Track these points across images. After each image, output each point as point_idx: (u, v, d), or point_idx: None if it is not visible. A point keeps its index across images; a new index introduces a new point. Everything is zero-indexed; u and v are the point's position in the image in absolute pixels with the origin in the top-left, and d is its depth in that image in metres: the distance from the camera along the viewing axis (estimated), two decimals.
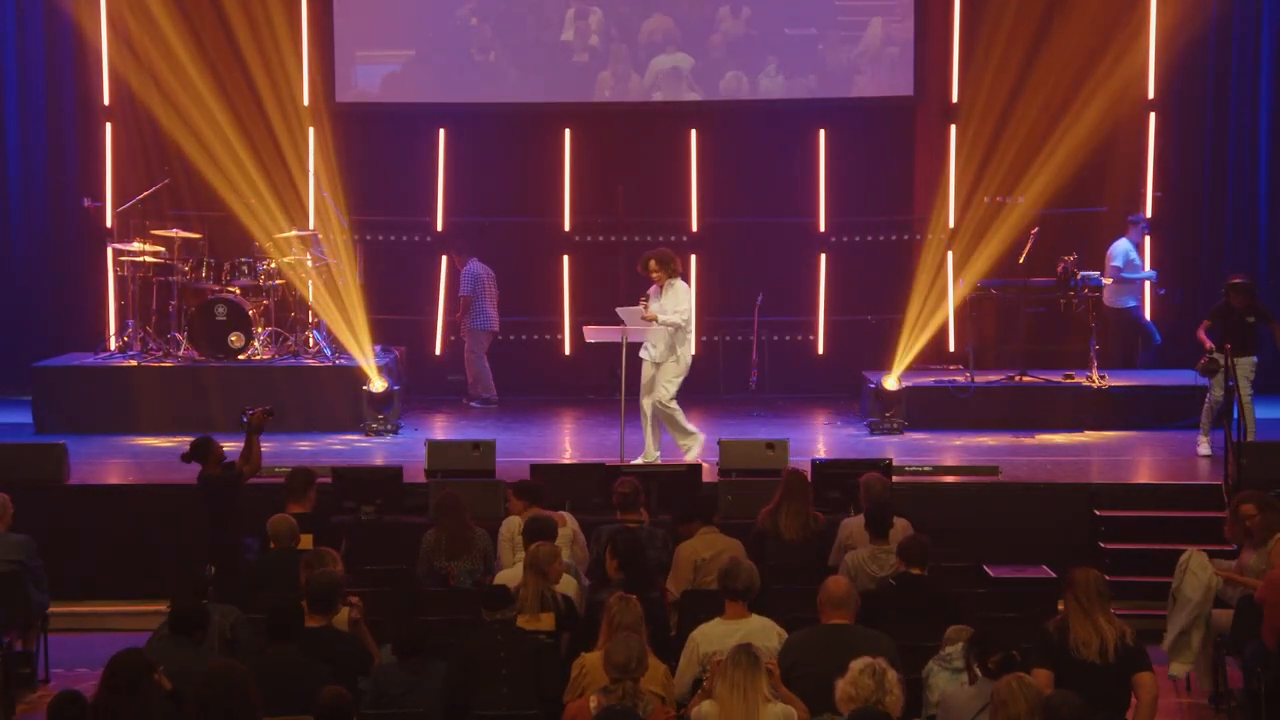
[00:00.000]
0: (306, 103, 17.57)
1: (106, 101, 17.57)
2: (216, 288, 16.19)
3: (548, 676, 8.48)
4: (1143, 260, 16.84)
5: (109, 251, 17.01)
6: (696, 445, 13.83)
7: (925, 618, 8.95)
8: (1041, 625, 8.37)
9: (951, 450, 14.77)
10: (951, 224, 17.36)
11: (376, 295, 17.14)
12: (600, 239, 18.15)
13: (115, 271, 16.83)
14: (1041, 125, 17.07)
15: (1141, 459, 14.54)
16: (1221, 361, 13.60)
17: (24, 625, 10.93)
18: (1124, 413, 15.71)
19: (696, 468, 12.90)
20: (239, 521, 11.16)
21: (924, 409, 15.70)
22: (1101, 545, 12.60)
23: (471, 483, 12.46)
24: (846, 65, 17.99)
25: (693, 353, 14.07)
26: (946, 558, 10.69)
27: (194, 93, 17.12)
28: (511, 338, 18.06)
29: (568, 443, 15.99)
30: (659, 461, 13.62)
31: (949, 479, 13.59)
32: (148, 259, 16.35)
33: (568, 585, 9.69)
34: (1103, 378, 15.88)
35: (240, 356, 15.98)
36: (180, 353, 16.16)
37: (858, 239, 18.12)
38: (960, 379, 16.13)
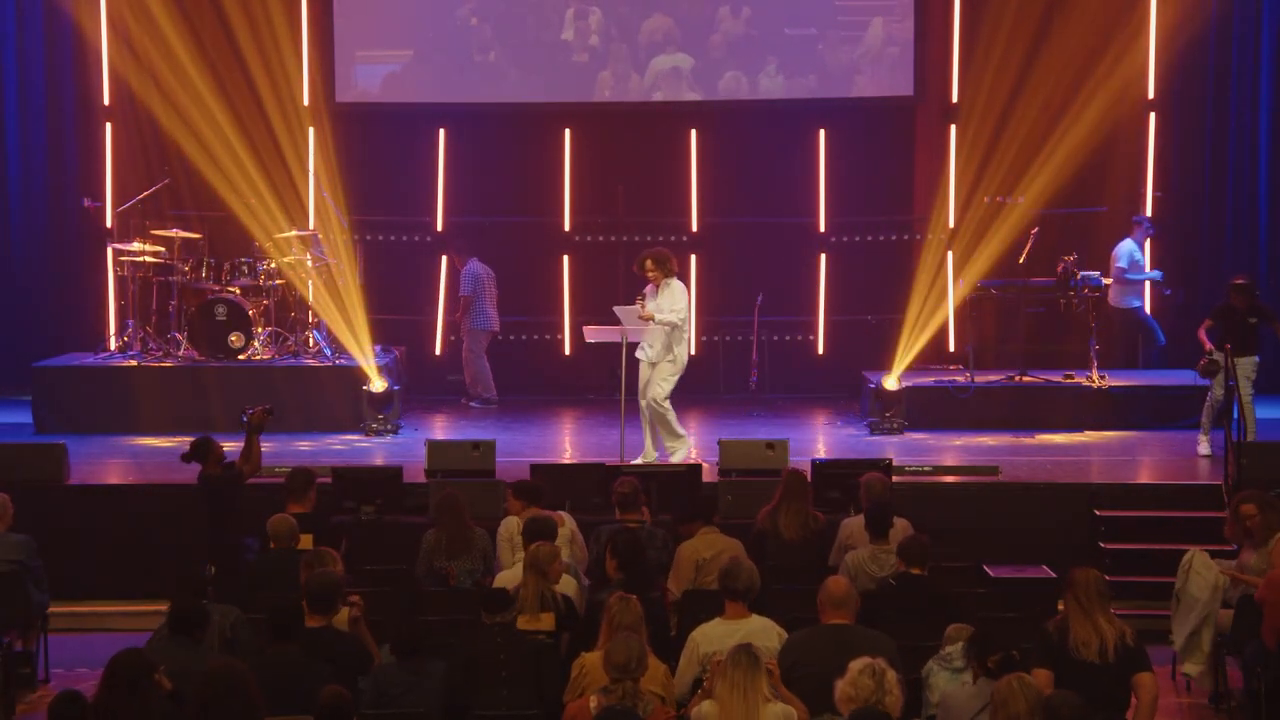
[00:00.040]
0: (306, 103, 17.57)
1: (106, 101, 17.57)
2: (216, 288, 16.19)
3: (548, 677, 8.48)
4: (1147, 261, 16.81)
5: (109, 251, 17.01)
6: (682, 449, 13.79)
7: (925, 618, 8.95)
8: (1041, 625, 8.37)
9: (951, 450, 14.77)
10: (951, 224, 17.36)
11: (376, 295, 17.14)
12: (600, 239, 18.15)
13: (115, 271, 16.83)
14: (1041, 125, 17.07)
15: (1141, 459, 14.54)
16: (1221, 362, 13.60)
17: (24, 625, 10.93)
18: (1124, 413, 15.71)
19: (696, 468, 12.89)
20: (239, 521, 11.16)
21: (924, 409, 15.70)
22: (1101, 545, 12.60)
23: (471, 483, 12.46)
24: (846, 65, 17.99)
25: (691, 352, 14.06)
26: (946, 558, 10.68)
27: (194, 93, 17.12)
28: (511, 338, 18.07)
29: (568, 443, 15.99)
30: (659, 461, 13.61)
31: (949, 479, 13.59)
32: (148, 259, 16.35)
33: (568, 585, 9.69)
34: (1103, 378, 15.89)
35: (240, 356, 15.98)
36: (180, 353, 16.16)
37: (858, 239, 18.12)
38: (960, 379, 16.14)
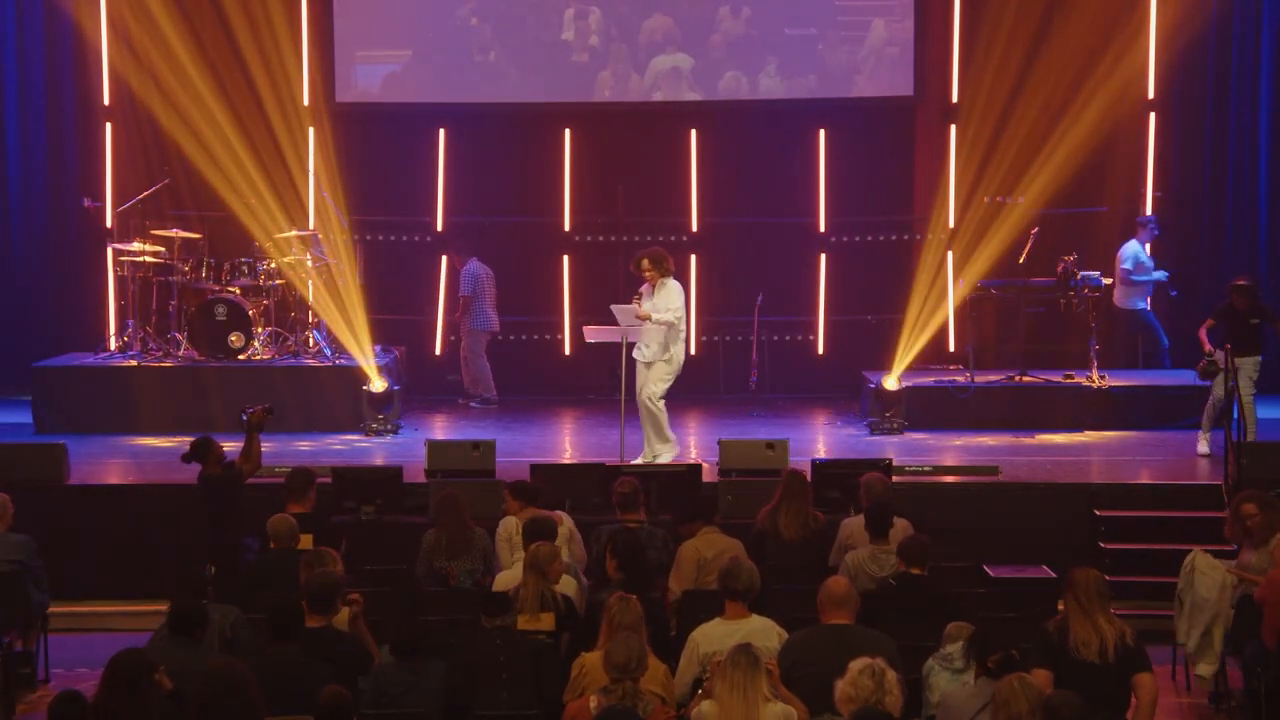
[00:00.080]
0: (306, 103, 17.57)
1: (106, 101, 17.57)
2: (216, 288, 16.19)
3: (548, 677, 8.47)
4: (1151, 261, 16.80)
5: (109, 251, 17.01)
6: (668, 453, 13.72)
7: (925, 618, 8.94)
8: (1041, 625, 8.37)
9: (951, 450, 14.77)
10: (951, 224, 17.36)
11: (376, 295, 17.14)
12: (600, 239, 18.15)
13: (115, 271, 16.83)
14: (1041, 125, 17.07)
15: (1141, 459, 14.53)
16: (1221, 364, 13.60)
17: (24, 625, 10.93)
18: (1124, 413, 15.70)
19: (696, 468, 12.89)
20: (239, 521, 11.16)
21: (924, 409, 15.70)
22: (1101, 545, 12.60)
23: (471, 483, 12.46)
24: (846, 65, 17.99)
25: (691, 352, 14.06)
26: (946, 558, 10.68)
27: (194, 93, 17.12)
28: (511, 338, 18.07)
29: (568, 443, 15.99)
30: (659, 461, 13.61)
31: (949, 479, 13.59)
32: (148, 259, 16.35)
33: (568, 585, 9.69)
34: (1103, 378, 15.88)
35: (240, 356, 15.98)
36: (180, 353, 16.16)
37: (858, 239, 18.12)
38: (960, 379, 16.13)
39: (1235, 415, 13.34)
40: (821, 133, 17.99)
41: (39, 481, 12.96)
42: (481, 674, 8.45)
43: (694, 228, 18.11)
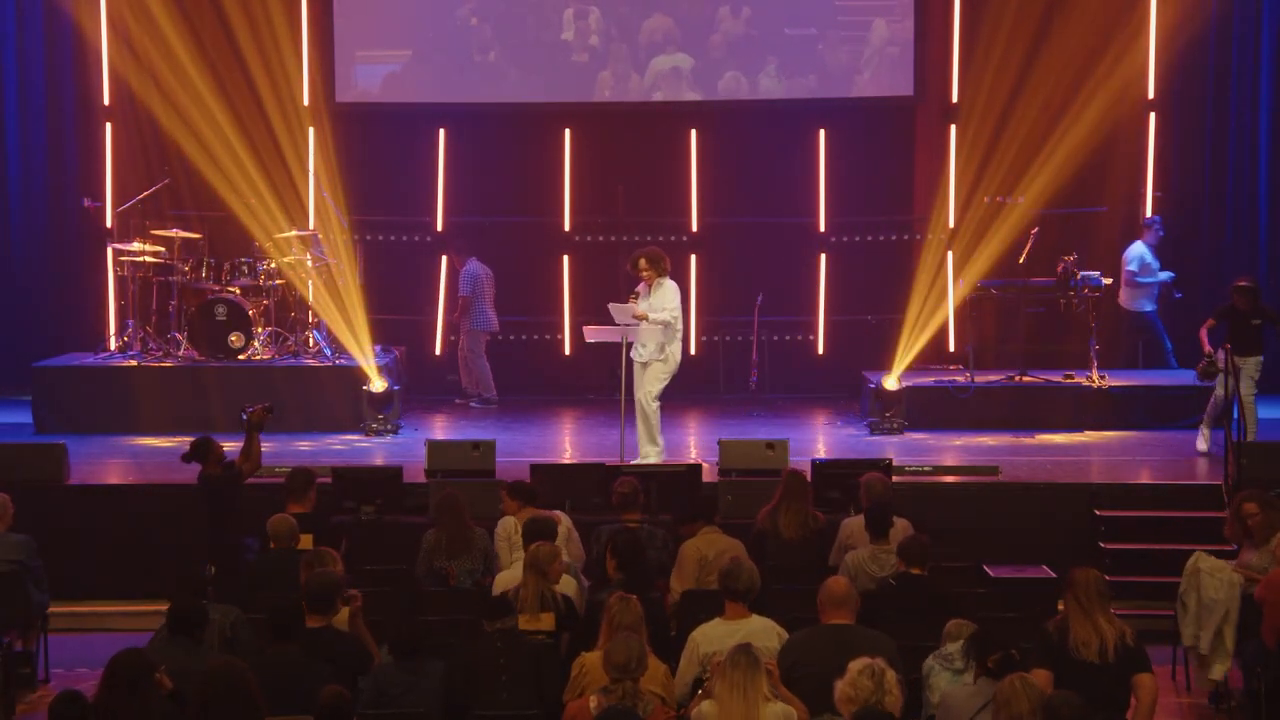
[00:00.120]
0: (306, 103, 17.56)
1: (106, 101, 17.57)
2: (216, 288, 16.19)
3: (548, 677, 8.47)
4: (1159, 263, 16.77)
5: (109, 251, 17.01)
6: (654, 456, 13.72)
7: (925, 618, 8.94)
8: (1041, 625, 8.37)
9: (951, 450, 14.77)
10: (951, 224, 17.35)
11: (376, 295, 17.14)
12: (600, 239, 18.15)
13: (115, 271, 16.83)
14: (1041, 125, 17.07)
15: (1141, 459, 14.53)
16: (1220, 365, 13.60)
17: (24, 625, 10.93)
18: (1124, 413, 15.71)
19: (696, 468, 12.89)
20: (239, 521, 11.17)
21: (924, 409, 15.70)
22: (1101, 545, 12.60)
23: (471, 483, 12.46)
24: (846, 65, 17.99)
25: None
26: (946, 558, 10.69)
27: (194, 93, 17.12)
28: (511, 338, 18.07)
29: (568, 443, 15.99)
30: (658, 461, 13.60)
31: (949, 479, 13.59)
32: (148, 259, 16.35)
33: (568, 585, 9.69)
34: (1103, 378, 15.88)
35: (240, 356, 15.98)
36: (180, 353, 16.16)
37: (858, 239, 18.12)
38: (960, 379, 16.13)
39: (1235, 415, 13.34)
40: (821, 133, 17.99)
41: (39, 481, 12.96)
42: (481, 675, 8.45)
43: (694, 228, 18.11)
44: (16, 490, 11.54)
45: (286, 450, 14.36)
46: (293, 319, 16.52)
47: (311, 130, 17.52)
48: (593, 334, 14.09)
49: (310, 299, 16.33)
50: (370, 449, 15.03)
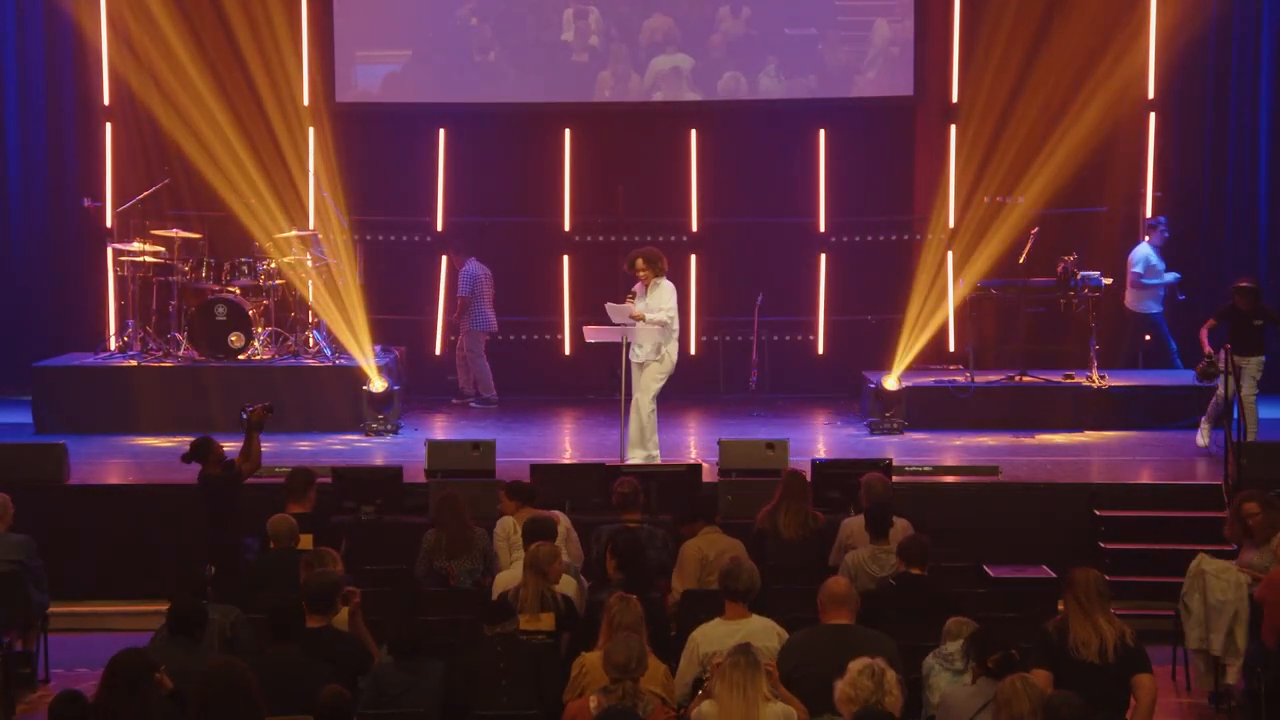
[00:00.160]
0: (306, 103, 17.56)
1: (106, 101, 17.57)
2: (216, 288, 16.19)
3: (548, 677, 8.47)
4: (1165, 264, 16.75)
5: (109, 251, 17.01)
6: (641, 457, 13.66)
7: (925, 618, 8.94)
8: (1041, 625, 8.37)
9: (951, 450, 14.77)
10: (951, 224, 17.36)
11: (376, 295, 17.14)
12: (600, 239, 18.15)
13: (115, 271, 16.83)
14: (1041, 125, 17.07)
15: (1141, 459, 14.53)
16: (1220, 366, 13.59)
17: (24, 625, 10.93)
18: (1124, 413, 15.70)
19: (696, 468, 12.89)
20: (239, 521, 11.17)
21: (924, 409, 15.69)
22: (1101, 545, 12.59)
23: (471, 483, 12.46)
24: (846, 65, 17.99)
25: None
26: (946, 558, 10.69)
27: (194, 93, 17.12)
28: (511, 338, 18.07)
29: (568, 443, 15.99)
30: (659, 461, 13.60)
31: (949, 479, 13.59)
32: (148, 259, 16.35)
33: (567, 585, 9.69)
34: (1103, 378, 15.88)
35: (240, 356, 15.98)
36: (180, 353, 16.16)
37: (858, 239, 18.12)
38: (960, 379, 16.13)
39: (1235, 415, 13.34)
40: (821, 133, 17.99)
41: (39, 481, 12.96)
42: (481, 675, 8.44)
43: (694, 228, 18.11)
44: (16, 490, 11.54)
45: (286, 450, 14.36)
46: (293, 319, 16.52)
47: (311, 130, 17.52)
48: (593, 334, 14.08)
49: (310, 299, 16.32)
50: (370, 449, 15.03)
